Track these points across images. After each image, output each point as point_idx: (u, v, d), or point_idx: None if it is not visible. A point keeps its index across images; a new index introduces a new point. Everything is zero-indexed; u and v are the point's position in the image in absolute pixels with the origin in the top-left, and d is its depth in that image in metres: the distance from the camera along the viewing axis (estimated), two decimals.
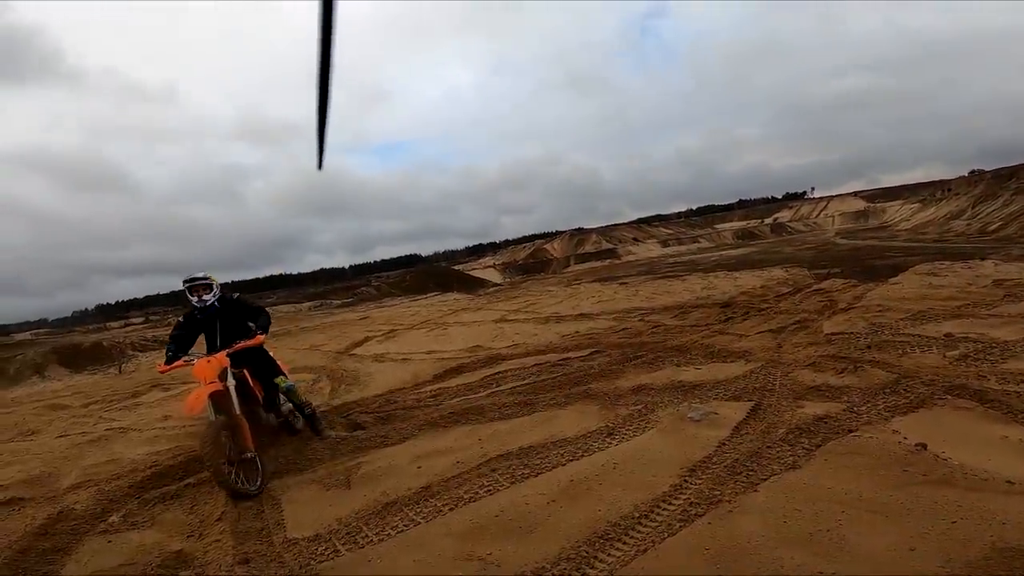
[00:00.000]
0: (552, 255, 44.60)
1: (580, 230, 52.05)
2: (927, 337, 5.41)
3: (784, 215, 51.92)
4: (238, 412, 3.84)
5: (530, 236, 57.03)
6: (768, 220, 50.46)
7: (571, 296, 15.02)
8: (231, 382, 3.94)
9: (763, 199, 65.95)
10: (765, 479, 2.98)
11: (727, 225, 51.43)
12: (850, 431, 3.46)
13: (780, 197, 64.96)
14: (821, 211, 49.76)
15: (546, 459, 3.58)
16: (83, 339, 19.80)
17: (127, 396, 8.66)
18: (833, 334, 6.15)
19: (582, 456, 3.59)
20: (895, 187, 49.61)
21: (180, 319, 4.52)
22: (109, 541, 3.14)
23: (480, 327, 11.09)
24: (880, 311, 7.03)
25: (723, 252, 29.75)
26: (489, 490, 3.24)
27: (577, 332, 8.83)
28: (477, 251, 59.28)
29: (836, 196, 53.69)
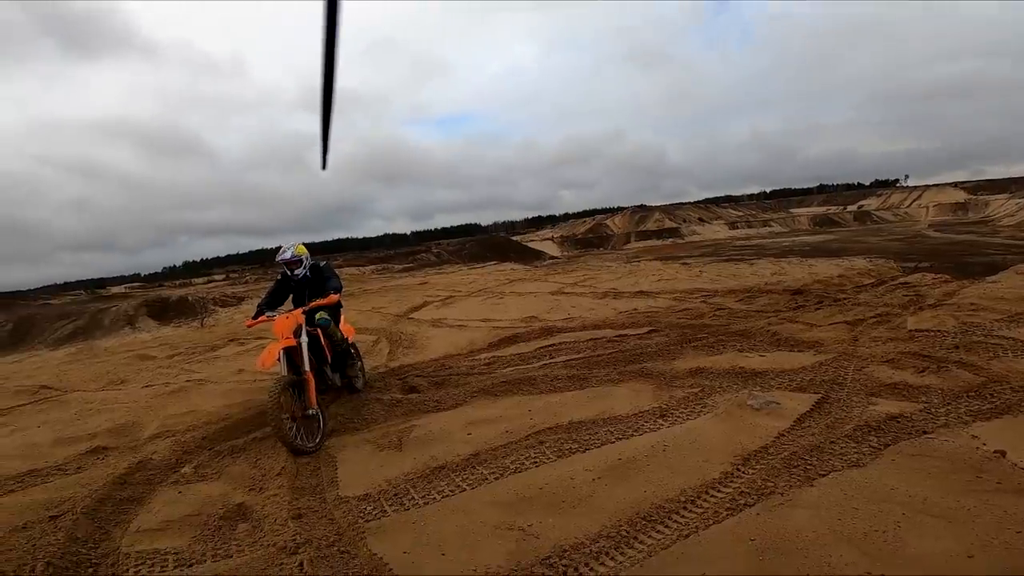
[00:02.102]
0: (612, 231, 43.73)
1: (642, 207, 50.64)
2: (1022, 341, 4.90)
3: (871, 203, 48.13)
4: (307, 369, 3.97)
5: (590, 211, 56.03)
6: (852, 207, 47.06)
7: (630, 273, 14.72)
8: (304, 339, 4.08)
9: (847, 185, 61.13)
10: (824, 474, 2.84)
11: (804, 210, 48.37)
12: (924, 432, 3.26)
13: (868, 184, 59.96)
14: (914, 201, 45.71)
15: (595, 435, 3.55)
16: (170, 294, 21.45)
17: (207, 349, 9.33)
18: (917, 331, 5.69)
19: (632, 435, 3.53)
20: (1002, 179, 44.53)
21: (277, 278, 4.82)
22: (179, 492, 3.33)
23: (536, 298, 11.11)
24: (973, 310, 6.43)
25: (797, 238, 28.14)
26: (536, 462, 3.25)
27: (635, 309, 8.67)
28: (536, 223, 58.99)
29: (933, 186, 49.03)
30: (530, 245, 38.12)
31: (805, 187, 62.81)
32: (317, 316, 4.42)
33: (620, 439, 3.49)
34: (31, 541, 2.78)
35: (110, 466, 3.87)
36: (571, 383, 4.77)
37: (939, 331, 5.59)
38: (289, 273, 4.67)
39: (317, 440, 3.80)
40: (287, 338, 4.02)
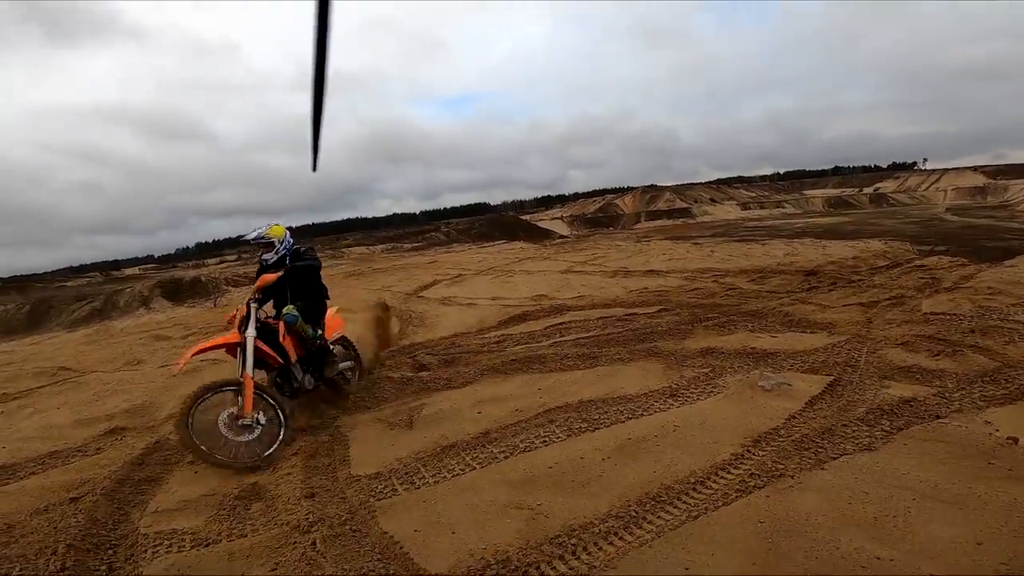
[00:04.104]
0: (622, 211, 43.34)
1: (653, 187, 49.99)
2: None
3: (887, 185, 47.10)
4: (246, 371, 3.43)
5: (600, 190, 55.29)
6: (868, 189, 46.09)
7: (641, 252, 14.64)
8: (250, 333, 3.55)
9: (863, 167, 59.68)
10: (835, 458, 2.83)
11: (818, 192, 47.46)
12: (937, 417, 3.23)
13: (885, 167, 58.53)
14: (932, 184, 44.70)
15: (605, 414, 3.55)
16: (184, 274, 21.65)
17: (221, 329, 9.37)
18: (933, 314, 5.61)
19: (642, 415, 3.53)
20: (1023, 164, 43.19)
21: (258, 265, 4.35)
22: (195, 472, 3.36)
23: (545, 277, 11.10)
24: (990, 294, 6.32)
25: (811, 220, 27.71)
26: (545, 441, 3.26)
27: (646, 288, 8.64)
28: (545, 202, 58.48)
29: (952, 169, 47.77)
30: (539, 224, 37.91)
31: (820, 168, 61.53)
32: (285, 310, 3.85)
33: (630, 418, 3.49)
34: (52, 523, 2.82)
35: (128, 447, 3.93)
36: (581, 361, 4.77)
37: (955, 315, 5.51)
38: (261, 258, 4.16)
39: (269, 452, 3.33)
40: (232, 333, 3.61)
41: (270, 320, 3.87)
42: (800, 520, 2.34)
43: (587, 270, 11.70)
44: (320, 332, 4.10)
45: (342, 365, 4.38)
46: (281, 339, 3.76)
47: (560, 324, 6.44)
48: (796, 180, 56.41)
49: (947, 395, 3.53)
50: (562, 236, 31.85)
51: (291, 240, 4.18)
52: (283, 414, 3.52)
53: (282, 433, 3.46)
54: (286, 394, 3.86)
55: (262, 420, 3.41)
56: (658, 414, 3.54)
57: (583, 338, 5.69)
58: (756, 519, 2.37)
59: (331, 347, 4.25)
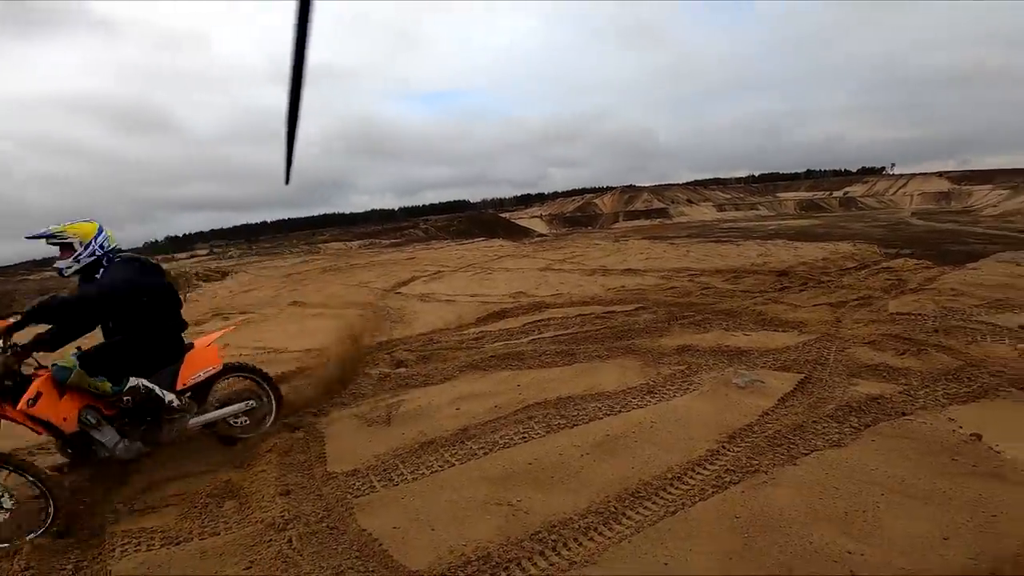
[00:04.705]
0: (601, 210, 43.69)
1: (631, 187, 50.53)
2: (1000, 327, 5.03)
3: (856, 189, 48.49)
4: None
5: (579, 190, 55.89)
6: (838, 193, 47.39)
7: (618, 251, 14.80)
8: None
9: (834, 171, 61.61)
10: (806, 453, 2.91)
11: (791, 194, 48.63)
12: (903, 414, 3.33)
13: (855, 171, 60.42)
14: (899, 189, 46.16)
15: (583, 411, 3.58)
16: None
17: (191, 324, 9.16)
18: (899, 314, 5.80)
19: (620, 411, 3.56)
20: (987, 171, 44.94)
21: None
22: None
23: (524, 274, 11.13)
24: (953, 295, 6.57)
25: (784, 222, 28.36)
26: (524, 437, 3.27)
27: (623, 287, 8.72)
28: (525, 201, 58.76)
29: (919, 175, 49.45)
30: (518, 223, 37.96)
31: (793, 172, 63.20)
32: (57, 361, 2.79)
33: (608, 415, 3.52)
34: None
35: None
36: (559, 358, 4.79)
37: (920, 315, 5.70)
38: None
39: (32, 535, 2.53)
40: None
41: (37, 372, 2.78)
42: (775, 515, 2.40)
43: (566, 268, 11.77)
44: (139, 384, 2.95)
45: (230, 409, 3.42)
46: (39, 401, 2.67)
47: (539, 321, 6.46)
48: (770, 183, 57.78)
49: (912, 393, 3.65)
50: (541, 234, 31.97)
51: (107, 245, 3.06)
52: (50, 492, 2.62)
53: (51, 512, 2.60)
54: (87, 463, 2.95)
55: (5, 503, 2.59)
56: (636, 411, 3.57)
57: (562, 335, 5.72)
58: (732, 514, 2.42)
59: (182, 396, 3.17)
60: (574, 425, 3.39)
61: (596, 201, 46.57)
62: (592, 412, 3.56)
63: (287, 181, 0.82)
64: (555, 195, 57.59)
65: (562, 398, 3.80)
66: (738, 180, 60.98)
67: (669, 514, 2.44)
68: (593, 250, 15.77)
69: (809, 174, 61.47)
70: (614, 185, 52.27)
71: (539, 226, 36.89)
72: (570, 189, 57.77)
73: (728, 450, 2.99)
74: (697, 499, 2.54)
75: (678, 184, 53.28)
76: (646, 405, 3.66)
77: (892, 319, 5.61)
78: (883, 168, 58.51)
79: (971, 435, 3.03)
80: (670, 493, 2.61)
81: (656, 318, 6.17)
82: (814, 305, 6.47)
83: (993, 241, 13.97)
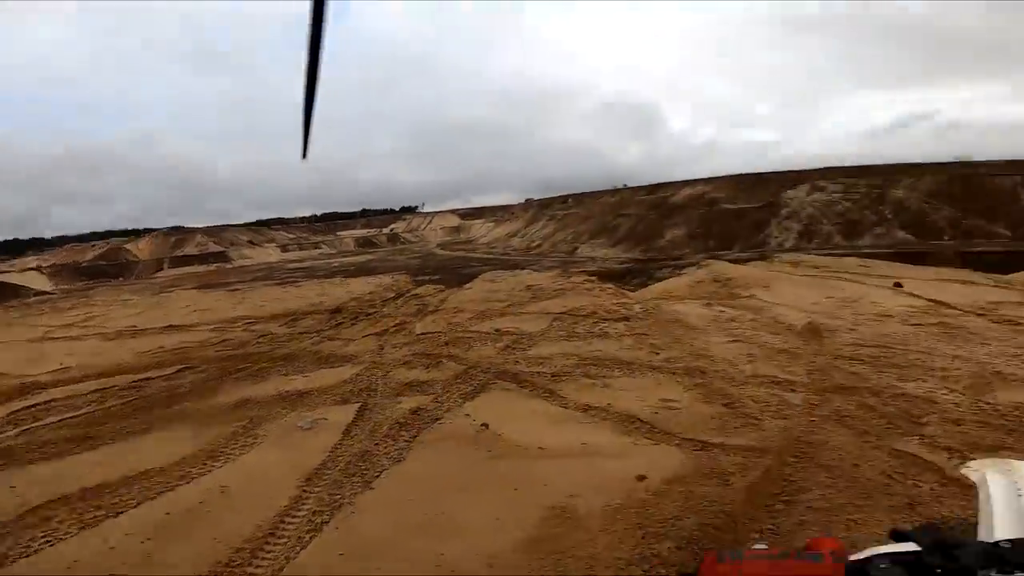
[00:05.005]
0: (136, 257, 36.40)
1: (179, 228, 44.40)
2: (484, 332, 6.91)
3: (399, 226, 56.86)
4: None
5: (104, 232, 45.42)
6: (386, 230, 54.42)
7: (157, 305, 12.78)
8: None
9: (384, 210, 71.03)
10: (378, 475, 3.25)
11: (349, 233, 52.95)
12: (437, 419, 4.08)
13: (398, 210, 71.18)
14: (428, 224, 56.81)
15: (126, 496, 3.12)
16: None
17: None
18: (422, 334, 7.16)
19: (178, 485, 3.24)
20: (481, 207, 60.96)
21: None
22: None
23: (6, 349, 8.21)
24: (456, 312, 8.57)
25: (344, 259, 30.59)
26: (49, 541, 2.66)
27: (161, 347, 7.66)
28: (14, 249, 43.20)
29: (439, 212, 62.40)
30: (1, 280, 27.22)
31: (351, 211, 69.38)
32: None
33: (164, 492, 3.16)
34: None
35: None
36: (73, 445, 3.99)
37: (436, 332, 7.20)
38: None
39: None
40: None
41: None
42: (372, 540, 2.59)
43: (74, 334, 9.34)
44: None
45: None
46: None
47: (32, 406, 5.08)
48: (332, 222, 61.49)
49: (440, 399, 4.52)
50: (43, 292, 23.96)
51: None
52: None
53: None
54: None
55: None
56: (199, 479, 3.32)
57: (72, 418, 4.68)
58: (336, 552, 2.51)
59: None
60: (119, 513, 2.93)
61: (129, 246, 38.49)
62: (140, 494, 3.13)
63: (304, 155, 0.78)
64: (64, 240, 44.68)
65: (89, 488, 3.21)
66: (302, 219, 62.39)
67: (277, 572, 2.38)
68: (120, 307, 13.04)
69: (364, 213, 68.85)
70: (156, 227, 44.68)
71: (38, 281, 27.55)
72: (89, 232, 46.13)
73: (310, 492, 3.08)
74: (298, 548, 2.54)
75: (239, 224, 50.11)
76: (211, 470, 3.43)
77: (418, 339, 6.89)
78: (416, 207, 71.34)
79: (481, 425, 3.91)
80: (269, 552, 2.53)
81: (206, 377, 5.71)
82: (363, 336, 7.28)
83: (484, 263, 18.98)
